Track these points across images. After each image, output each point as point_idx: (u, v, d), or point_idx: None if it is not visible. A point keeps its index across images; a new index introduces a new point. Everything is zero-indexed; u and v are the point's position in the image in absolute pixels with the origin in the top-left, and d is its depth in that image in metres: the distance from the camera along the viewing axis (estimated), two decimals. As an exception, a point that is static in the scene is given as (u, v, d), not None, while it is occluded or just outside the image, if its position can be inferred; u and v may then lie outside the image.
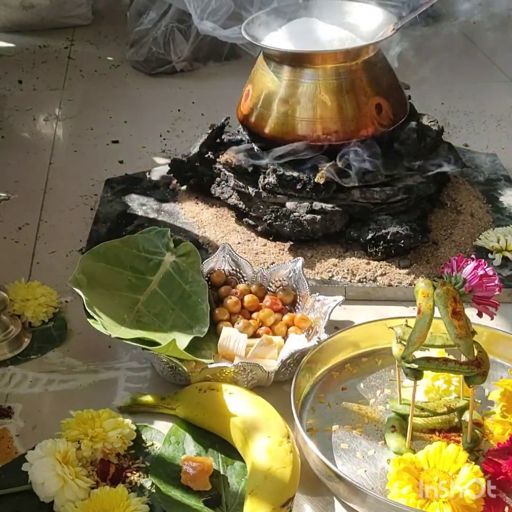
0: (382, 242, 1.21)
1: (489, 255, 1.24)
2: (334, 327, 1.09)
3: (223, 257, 1.17)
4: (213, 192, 1.35)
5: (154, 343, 1.00)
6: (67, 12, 2.30)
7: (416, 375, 0.86)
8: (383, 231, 1.21)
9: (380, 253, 1.21)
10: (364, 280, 1.20)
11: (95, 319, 1.01)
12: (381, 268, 1.21)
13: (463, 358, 0.86)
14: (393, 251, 1.21)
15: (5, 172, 1.56)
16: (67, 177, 1.54)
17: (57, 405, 1.00)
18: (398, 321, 0.96)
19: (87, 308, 1.02)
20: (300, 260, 1.14)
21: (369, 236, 1.21)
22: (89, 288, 1.06)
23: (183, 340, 1.01)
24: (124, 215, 1.36)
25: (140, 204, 1.40)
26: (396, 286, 1.18)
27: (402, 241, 1.20)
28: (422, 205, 1.29)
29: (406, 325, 0.89)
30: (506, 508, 0.82)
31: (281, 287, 1.14)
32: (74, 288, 1.05)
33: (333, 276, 1.20)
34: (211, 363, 0.99)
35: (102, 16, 2.41)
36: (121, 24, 2.19)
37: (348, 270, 1.21)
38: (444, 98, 1.83)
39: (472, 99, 1.86)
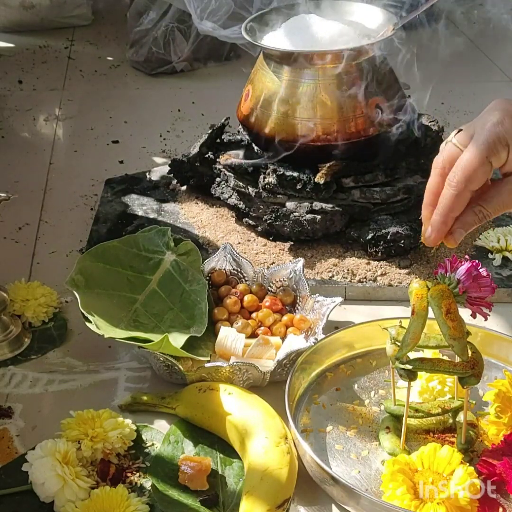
0: (382, 242, 1.21)
1: (489, 255, 1.24)
2: (334, 327, 1.09)
3: (224, 256, 1.16)
4: (213, 192, 1.35)
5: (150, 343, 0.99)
6: (67, 12, 2.29)
7: (410, 376, 0.85)
8: (383, 231, 1.21)
9: (380, 253, 1.21)
10: (364, 280, 1.20)
11: (89, 320, 1.01)
12: (381, 268, 1.21)
13: (458, 359, 0.86)
14: (393, 251, 1.21)
15: (5, 172, 1.55)
16: (67, 177, 1.54)
17: (57, 405, 1.00)
18: (393, 322, 0.95)
19: (81, 308, 1.01)
20: (301, 261, 1.14)
21: (369, 236, 1.21)
22: (87, 289, 1.05)
23: (179, 339, 1.01)
24: (124, 215, 1.36)
25: (140, 204, 1.40)
26: (396, 286, 1.18)
27: (402, 241, 1.20)
28: (422, 205, 1.29)
29: (400, 326, 0.88)
30: (500, 509, 0.82)
31: (281, 288, 1.14)
32: (71, 289, 1.05)
33: (333, 276, 1.20)
34: (207, 362, 0.99)
35: (102, 16, 2.40)
36: (121, 24, 2.19)
37: (348, 270, 1.21)
38: (444, 98, 1.83)
39: (472, 99, 1.86)
